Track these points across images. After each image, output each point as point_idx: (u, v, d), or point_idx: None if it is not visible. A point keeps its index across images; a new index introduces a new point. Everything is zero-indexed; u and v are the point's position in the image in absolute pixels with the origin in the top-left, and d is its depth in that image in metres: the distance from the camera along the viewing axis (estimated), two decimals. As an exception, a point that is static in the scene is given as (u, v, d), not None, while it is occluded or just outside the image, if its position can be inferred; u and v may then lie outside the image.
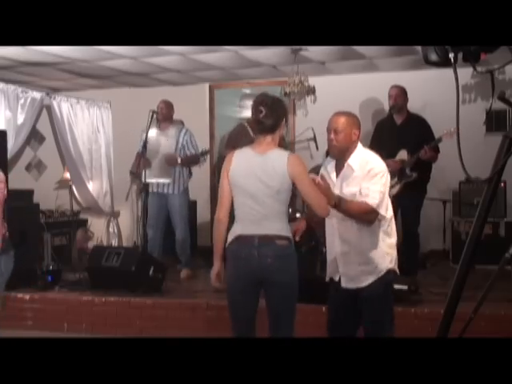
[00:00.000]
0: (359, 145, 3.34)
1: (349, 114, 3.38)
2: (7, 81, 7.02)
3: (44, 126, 8.38)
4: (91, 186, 7.93)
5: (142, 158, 6.09)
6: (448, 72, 1.86)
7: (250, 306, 3.27)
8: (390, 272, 3.33)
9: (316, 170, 6.51)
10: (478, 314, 1.93)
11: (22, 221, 5.84)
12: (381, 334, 3.26)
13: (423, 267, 6.34)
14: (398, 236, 3.44)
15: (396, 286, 4.84)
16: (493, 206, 1.81)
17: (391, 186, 3.99)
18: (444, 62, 1.82)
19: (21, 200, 6.74)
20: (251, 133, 5.57)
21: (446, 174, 6.54)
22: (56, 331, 5.21)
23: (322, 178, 3.15)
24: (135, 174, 6.54)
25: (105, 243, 7.91)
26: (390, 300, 3.39)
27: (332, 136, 3.30)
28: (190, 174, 6.84)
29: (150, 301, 5.29)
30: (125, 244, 8.13)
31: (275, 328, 3.27)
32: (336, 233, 3.35)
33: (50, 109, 7.65)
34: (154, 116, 6.09)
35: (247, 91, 8.02)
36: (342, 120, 3.31)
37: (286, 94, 6.89)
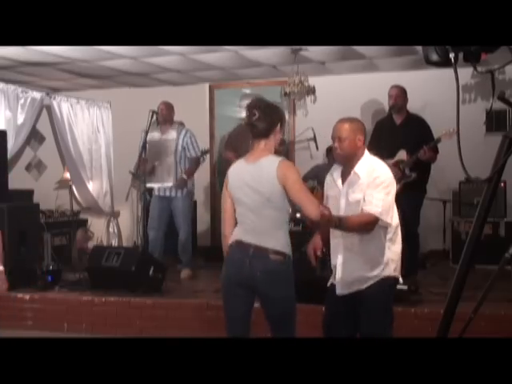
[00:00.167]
0: (366, 152, 3.32)
1: (352, 121, 3.35)
2: (7, 81, 7.02)
3: (44, 126, 8.38)
4: (91, 186, 7.93)
5: (142, 159, 6.10)
6: (448, 72, 1.86)
7: (240, 307, 3.25)
8: (391, 279, 3.32)
9: (315, 170, 6.56)
10: (477, 313, 1.93)
11: (21, 221, 5.85)
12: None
13: (423, 267, 6.34)
14: (401, 236, 3.43)
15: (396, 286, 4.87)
16: (493, 206, 1.81)
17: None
18: (444, 62, 1.82)
19: (21, 200, 6.74)
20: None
21: (445, 174, 6.54)
22: (56, 331, 5.21)
23: (326, 208, 3.10)
24: (135, 175, 6.54)
25: (105, 243, 7.91)
26: (390, 307, 3.37)
27: (336, 144, 3.28)
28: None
29: (150, 301, 5.28)
30: (125, 244, 8.14)
31: (273, 332, 3.27)
32: (341, 240, 3.34)
33: (50, 109, 7.66)
34: (154, 116, 6.09)
35: (247, 91, 8.02)
36: (346, 127, 3.28)
37: (286, 94, 6.89)
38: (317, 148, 7.29)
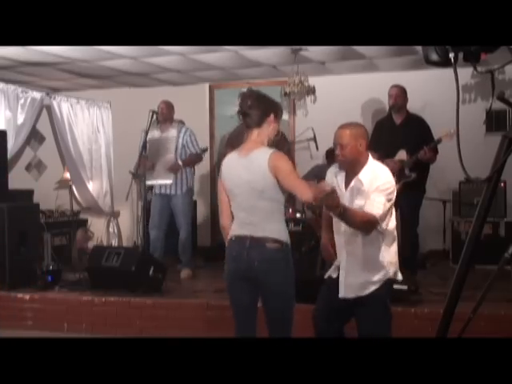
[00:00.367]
0: (370, 157, 3.31)
1: (353, 126, 3.33)
2: (7, 81, 7.02)
3: (44, 126, 8.38)
4: (91, 186, 7.93)
5: (143, 158, 6.10)
6: (448, 72, 1.86)
7: (244, 300, 3.26)
8: (391, 282, 3.34)
9: (315, 169, 6.55)
10: (477, 314, 1.93)
11: (22, 221, 5.84)
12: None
13: (423, 267, 6.34)
14: (397, 236, 3.44)
15: (396, 286, 4.86)
16: (493, 206, 1.82)
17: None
18: (444, 62, 1.82)
19: (21, 200, 6.74)
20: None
21: (445, 174, 6.54)
22: (56, 331, 5.21)
23: (334, 189, 3.08)
24: (135, 174, 6.54)
25: (105, 243, 7.91)
26: (389, 307, 3.37)
27: (338, 151, 3.28)
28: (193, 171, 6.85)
29: (150, 301, 5.28)
30: (125, 244, 8.14)
31: (270, 329, 3.26)
32: (343, 244, 3.36)
33: (50, 109, 7.65)
34: (154, 116, 6.10)
35: (247, 91, 8.01)
36: (347, 133, 3.27)
37: (286, 94, 6.89)
38: (317, 148, 7.29)
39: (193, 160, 6.39)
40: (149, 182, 6.26)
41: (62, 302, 5.49)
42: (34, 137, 8.58)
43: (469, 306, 1.95)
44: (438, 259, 6.73)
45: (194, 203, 7.55)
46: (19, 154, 8.18)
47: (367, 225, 3.17)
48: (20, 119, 6.97)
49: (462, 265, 1.84)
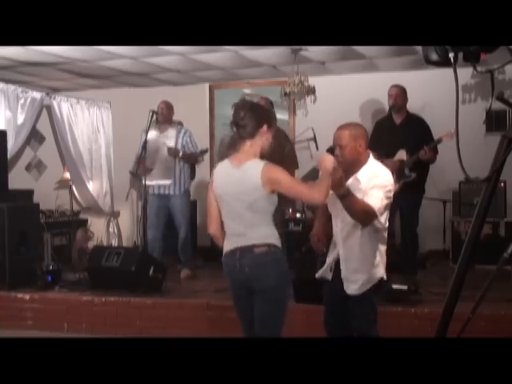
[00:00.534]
0: (370, 157, 3.32)
1: (352, 127, 3.33)
2: (7, 81, 7.02)
3: (44, 126, 8.38)
4: (91, 186, 7.93)
5: (141, 158, 6.10)
6: (448, 72, 1.86)
7: (247, 310, 3.27)
8: (379, 279, 3.34)
9: (315, 170, 6.54)
10: (477, 313, 1.93)
11: (22, 221, 5.84)
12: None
13: (423, 267, 6.34)
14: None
15: (396, 286, 4.87)
16: (492, 206, 1.82)
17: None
18: (444, 62, 1.82)
19: (21, 200, 6.74)
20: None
21: (445, 174, 6.54)
22: (56, 331, 5.21)
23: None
24: (135, 174, 6.55)
25: (105, 243, 7.90)
26: (374, 305, 3.38)
27: (337, 152, 3.28)
28: (193, 175, 6.85)
29: (150, 301, 5.29)
30: (125, 244, 8.13)
31: (256, 330, 3.22)
32: (339, 238, 3.36)
33: (50, 109, 7.65)
34: (154, 116, 6.10)
35: (247, 91, 8.02)
36: (346, 134, 3.27)
37: (286, 93, 6.89)
38: (317, 148, 7.29)
39: (192, 156, 6.39)
40: (148, 183, 6.26)
41: (61, 301, 5.50)
42: (34, 137, 8.58)
43: (468, 305, 1.95)
44: (437, 259, 6.73)
45: (194, 203, 7.56)
46: (19, 154, 8.18)
47: (367, 215, 3.16)
48: (20, 119, 6.97)
49: (461, 265, 1.84)
